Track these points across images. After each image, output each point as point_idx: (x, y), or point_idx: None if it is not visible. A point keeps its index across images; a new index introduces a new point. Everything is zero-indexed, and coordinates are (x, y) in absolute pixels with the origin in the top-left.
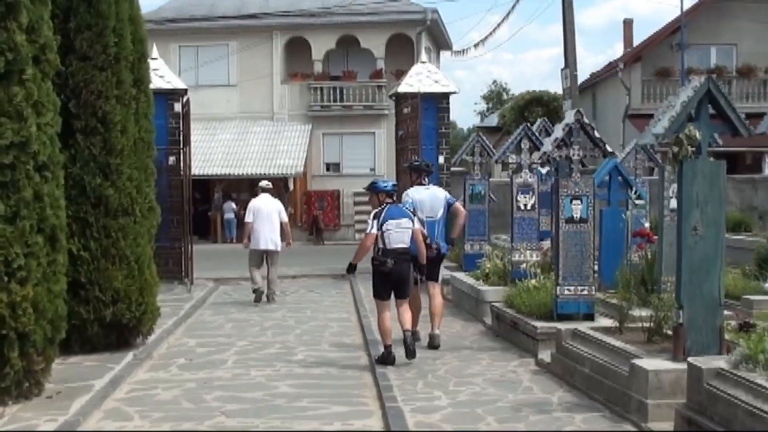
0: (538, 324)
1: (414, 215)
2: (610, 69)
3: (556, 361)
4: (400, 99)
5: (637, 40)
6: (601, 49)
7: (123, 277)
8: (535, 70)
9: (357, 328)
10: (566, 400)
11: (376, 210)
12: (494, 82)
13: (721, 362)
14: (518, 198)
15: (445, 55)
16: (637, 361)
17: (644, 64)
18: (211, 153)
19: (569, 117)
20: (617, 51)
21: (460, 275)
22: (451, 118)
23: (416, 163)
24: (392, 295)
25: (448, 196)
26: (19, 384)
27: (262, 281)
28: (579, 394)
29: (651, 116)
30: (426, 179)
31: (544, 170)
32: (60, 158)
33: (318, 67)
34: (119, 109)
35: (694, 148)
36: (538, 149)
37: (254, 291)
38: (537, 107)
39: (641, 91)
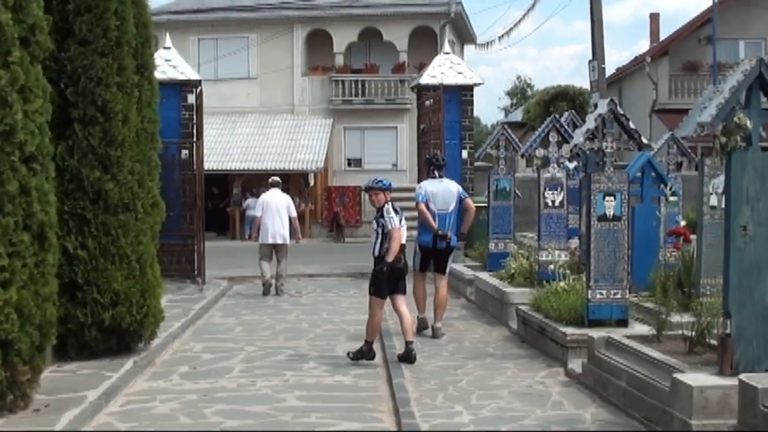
0: (568, 330)
1: (397, 213)
2: (637, 63)
3: (587, 372)
4: (422, 91)
5: (663, 34)
6: (625, 46)
7: (123, 277)
8: (560, 66)
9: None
10: (600, 417)
11: (393, 206)
12: (518, 77)
13: None
14: (546, 194)
15: (469, 49)
16: (679, 376)
17: (671, 58)
18: (230, 147)
19: (602, 107)
20: (642, 47)
21: (484, 275)
22: (475, 114)
23: (428, 157)
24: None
25: (461, 190)
26: (3, 396)
27: (271, 275)
28: (614, 410)
29: (679, 111)
30: (437, 172)
31: (571, 165)
32: (50, 149)
33: (339, 60)
34: (120, 97)
35: (743, 139)
36: (567, 142)
37: (263, 284)
38: (562, 102)
39: (668, 86)
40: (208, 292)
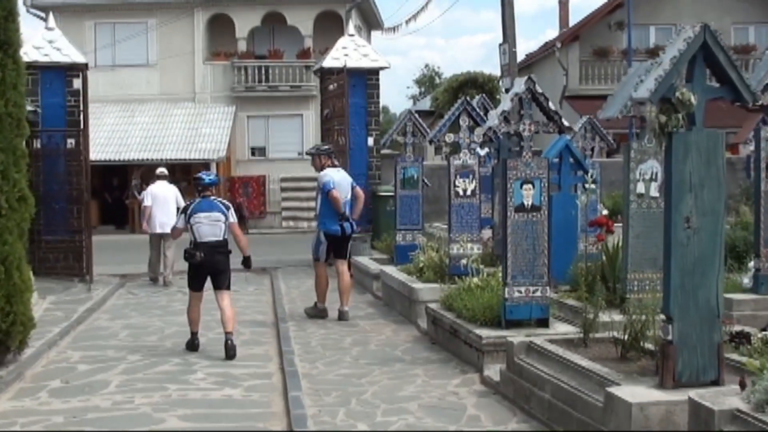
0: (483, 332)
1: (228, 210)
2: (547, 49)
3: (506, 380)
4: (326, 75)
5: (572, 21)
6: (533, 35)
7: None
8: (468, 56)
9: (272, 334)
10: None
11: (186, 204)
12: (426, 66)
13: (735, 400)
14: (457, 182)
15: (376, 36)
16: (614, 390)
17: (582, 43)
18: (128, 137)
19: (519, 85)
20: (549, 37)
21: (391, 269)
22: (384, 103)
23: (325, 148)
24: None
25: (350, 178)
26: None
27: (158, 266)
28: (539, 425)
29: (590, 97)
30: (334, 161)
31: (483, 151)
32: None
33: (242, 46)
34: None
35: (686, 118)
36: (479, 126)
37: (151, 279)
38: (471, 89)
39: (579, 72)
40: (96, 291)
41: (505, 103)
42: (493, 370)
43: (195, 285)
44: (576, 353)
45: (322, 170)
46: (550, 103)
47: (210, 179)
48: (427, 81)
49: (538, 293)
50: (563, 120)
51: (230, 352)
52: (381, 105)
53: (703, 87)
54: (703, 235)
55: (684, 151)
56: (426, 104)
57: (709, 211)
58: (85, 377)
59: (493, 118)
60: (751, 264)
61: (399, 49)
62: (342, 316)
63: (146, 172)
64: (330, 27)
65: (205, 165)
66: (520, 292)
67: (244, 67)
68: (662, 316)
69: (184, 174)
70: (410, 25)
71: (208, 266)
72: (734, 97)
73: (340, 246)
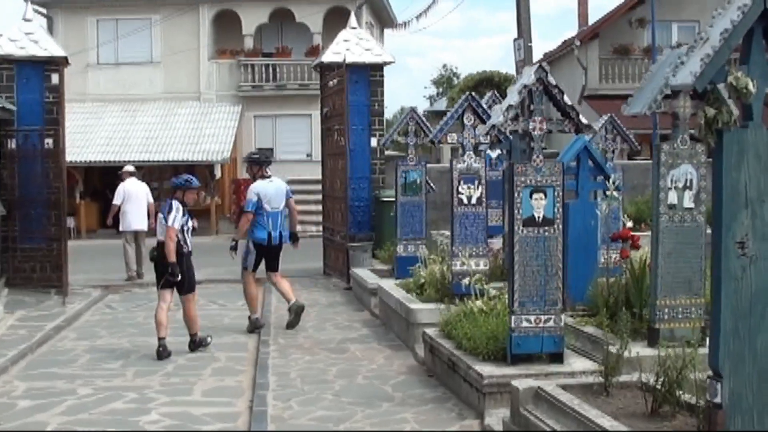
0: (485, 370)
1: (169, 212)
2: (566, 47)
3: None
4: (326, 70)
5: (592, 19)
6: (552, 36)
7: None
8: (486, 56)
9: (251, 361)
10: None
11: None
12: (444, 66)
13: None
14: (460, 189)
15: (388, 33)
16: None
17: (602, 41)
18: (129, 137)
19: (528, 76)
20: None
21: (389, 285)
22: (402, 103)
23: (255, 156)
24: None
25: (288, 188)
26: None
27: (134, 263)
28: None
29: (609, 97)
30: (268, 170)
31: (494, 153)
32: None
33: (249, 43)
34: None
35: (742, 111)
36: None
37: (129, 278)
38: (487, 88)
39: (599, 71)
40: (71, 305)
41: (512, 97)
42: (496, 418)
43: (160, 284)
44: (595, 405)
45: (254, 181)
46: (566, 97)
47: (178, 182)
48: (445, 81)
49: (551, 323)
50: (581, 117)
51: (192, 346)
52: (385, 103)
53: (763, 70)
54: (762, 264)
55: (738, 154)
56: (442, 105)
57: None
58: (22, 417)
59: (498, 115)
60: None
61: (417, 50)
62: (296, 310)
63: (147, 174)
64: (340, 24)
65: (208, 166)
66: (529, 321)
67: (251, 65)
68: (708, 371)
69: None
70: (422, 21)
71: (164, 266)
72: None
73: (269, 257)
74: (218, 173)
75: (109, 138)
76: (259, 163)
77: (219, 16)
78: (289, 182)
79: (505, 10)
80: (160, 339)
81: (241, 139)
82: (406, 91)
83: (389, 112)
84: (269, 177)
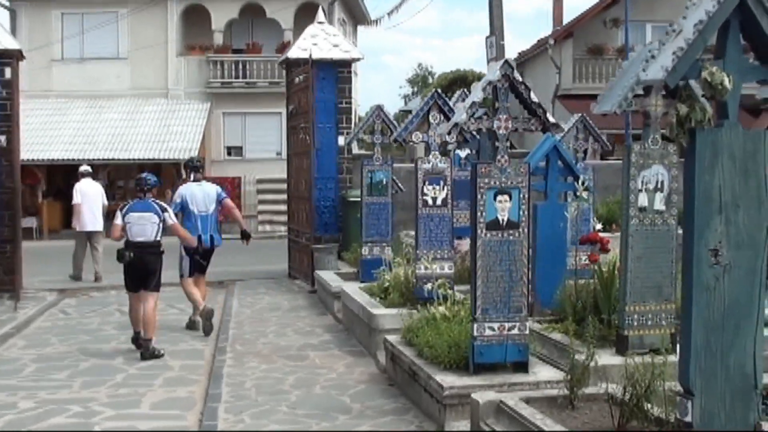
0: (446, 380)
1: (165, 211)
2: (540, 46)
3: None
4: (292, 67)
5: (567, 19)
6: (527, 37)
7: None
8: (464, 56)
9: (205, 370)
10: None
11: (122, 204)
12: (419, 65)
13: None
14: (425, 189)
15: (362, 30)
16: None
17: (576, 41)
18: (94, 135)
19: (493, 72)
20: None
21: (353, 288)
22: (377, 102)
23: (187, 160)
24: None
25: (220, 191)
26: None
27: (82, 263)
28: None
29: (583, 96)
30: (194, 175)
31: (463, 153)
32: None
33: (218, 39)
34: None
35: (716, 109)
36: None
37: (76, 277)
38: (461, 87)
39: (573, 70)
40: (24, 310)
41: (476, 94)
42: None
43: (130, 285)
44: (559, 420)
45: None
46: (533, 94)
47: (155, 180)
48: (420, 81)
49: (515, 331)
50: (549, 116)
51: (145, 355)
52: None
53: (739, 66)
54: (737, 274)
55: (712, 155)
56: (417, 104)
57: (745, 241)
58: None
59: (461, 113)
60: None
61: (396, 48)
62: (191, 326)
63: (113, 172)
64: (311, 20)
65: (176, 165)
66: (492, 329)
67: (221, 61)
68: (677, 386)
69: (154, 175)
70: (396, 18)
71: (139, 266)
72: None
73: (201, 259)
74: (185, 172)
75: (74, 135)
76: (191, 167)
77: (188, 11)
78: (259, 181)
79: (484, 10)
80: (137, 332)
81: (209, 137)
82: (383, 90)
83: (365, 111)
84: (199, 181)
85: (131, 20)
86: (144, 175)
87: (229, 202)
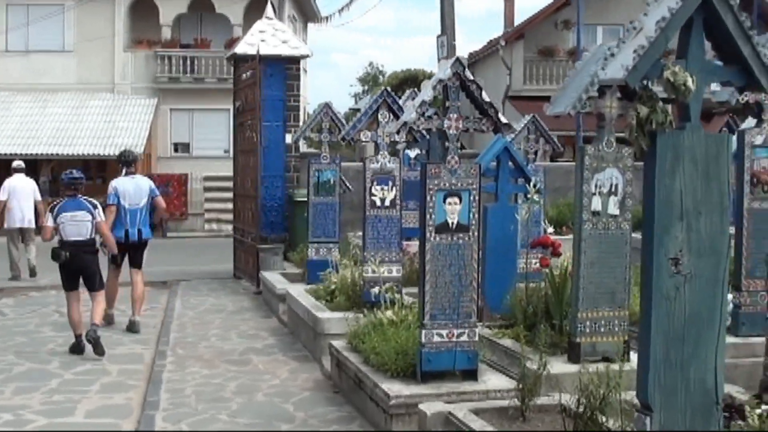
0: (393, 388)
1: (96, 208)
2: (491, 47)
3: None
4: (239, 62)
5: (518, 21)
6: (479, 39)
7: None
8: (416, 55)
9: (145, 375)
10: None
11: (52, 204)
12: (370, 64)
13: None
14: (373, 190)
15: (313, 28)
16: None
17: (527, 42)
18: (39, 129)
19: (443, 70)
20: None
21: (298, 291)
22: (326, 100)
23: (119, 155)
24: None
25: (153, 187)
26: None
27: (20, 262)
28: None
29: (533, 98)
30: (126, 169)
31: (412, 153)
32: None
33: (166, 33)
34: None
35: (679, 111)
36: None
37: (14, 277)
38: (412, 87)
39: (523, 71)
40: None
41: (426, 92)
42: None
43: (67, 285)
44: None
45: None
46: (484, 94)
47: (80, 177)
48: (371, 80)
49: (465, 337)
50: (501, 115)
51: (97, 350)
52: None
53: (702, 66)
54: (698, 283)
55: (673, 159)
56: (366, 102)
57: (707, 248)
58: None
59: (410, 111)
60: (729, 297)
61: (348, 47)
62: (131, 327)
63: (57, 167)
64: (261, 16)
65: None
66: (440, 335)
67: (168, 56)
68: (634, 399)
69: (99, 171)
70: (346, 16)
71: (75, 266)
72: (745, 81)
73: (131, 254)
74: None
75: (17, 129)
76: (122, 161)
77: (136, 4)
78: (206, 179)
79: (436, 10)
80: (77, 336)
81: (156, 133)
82: (334, 89)
83: (315, 109)
84: (131, 174)
85: (78, 12)
86: (73, 173)
87: (160, 201)
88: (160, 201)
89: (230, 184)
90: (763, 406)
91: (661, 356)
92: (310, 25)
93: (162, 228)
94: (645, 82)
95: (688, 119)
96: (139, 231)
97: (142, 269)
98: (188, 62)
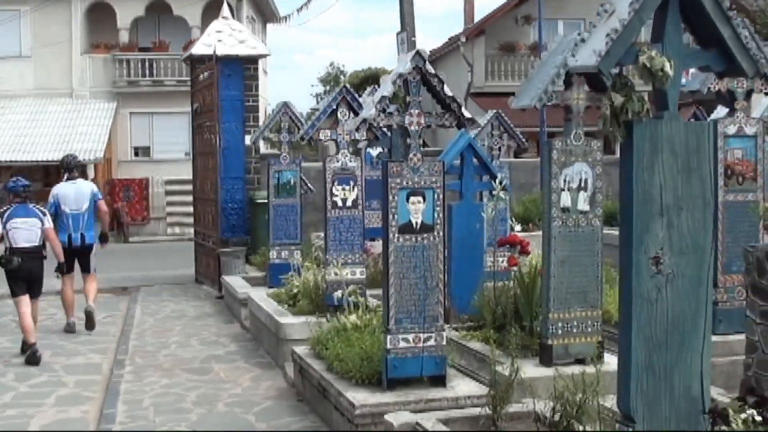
0: (358, 397)
1: (45, 215)
2: (451, 44)
3: None
4: (196, 63)
5: (478, 17)
6: (439, 36)
7: None
8: (377, 55)
9: (102, 386)
10: None
11: (1, 210)
12: (331, 64)
13: None
14: (334, 190)
15: (272, 28)
16: None
17: (488, 38)
18: None
19: (403, 64)
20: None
21: (260, 295)
22: (286, 100)
23: (61, 160)
24: None
25: (95, 190)
26: None
27: None
28: None
29: (495, 94)
30: (68, 174)
31: (374, 151)
32: None
33: (124, 37)
34: None
35: (654, 99)
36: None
37: None
38: (373, 86)
39: (485, 67)
40: None
41: (385, 87)
42: None
43: (16, 291)
44: None
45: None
46: (446, 88)
47: (29, 184)
48: (332, 79)
49: (432, 342)
50: (464, 110)
51: (30, 360)
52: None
53: (679, 50)
54: (681, 283)
55: (651, 151)
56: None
57: (690, 246)
58: None
59: (369, 107)
60: None
61: (307, 47)
62: (88, 318)
63: (16, 174)
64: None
65: (81, 167)
66: (407, 340)
67: (127, 60)
68: (612, 405)
69: (58, 177)
70: (305, 15)
71: (24, 272)
72: (725, 66)
73: (79, 259)
74: (91, 173)
75: None
76: (63, 167)
77: (93, 8)
78: (167, 182)
79: (396, 10)
80: (31, 345)
81: (116, 137)
82: (295, 90)
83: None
84: (73, 179)
85: (34, 17)
86: (19, 180)
87: (102, 205)
88: (102, 205)
89: (191, 187)
90: (748, 410)
91: (643, 363)
92: (269, 26)
93: (124, 233)
94: (619, 68)
95: (666, 107)
96: (82, 236)
97: (93, 273)
98: (147, 65)
